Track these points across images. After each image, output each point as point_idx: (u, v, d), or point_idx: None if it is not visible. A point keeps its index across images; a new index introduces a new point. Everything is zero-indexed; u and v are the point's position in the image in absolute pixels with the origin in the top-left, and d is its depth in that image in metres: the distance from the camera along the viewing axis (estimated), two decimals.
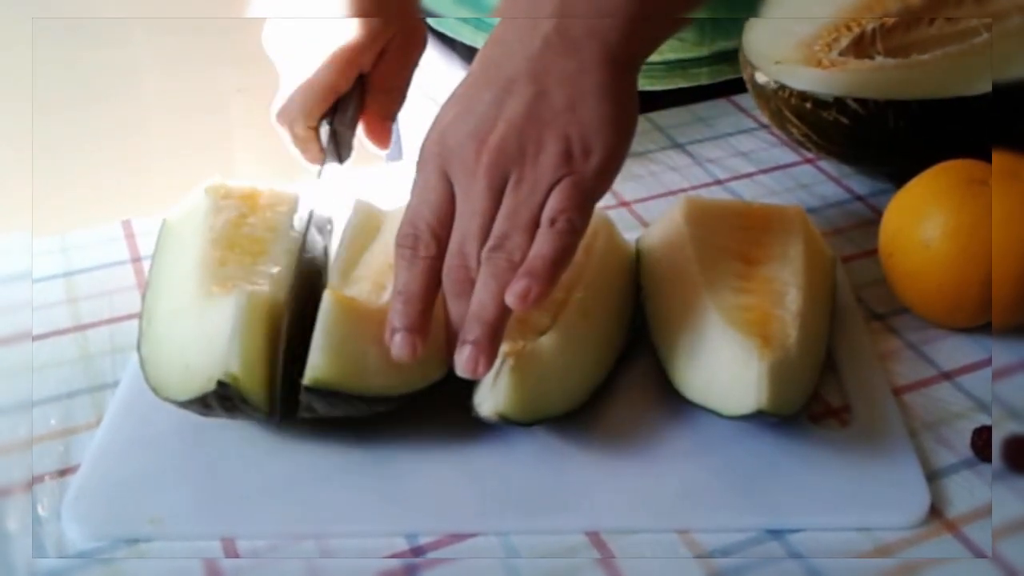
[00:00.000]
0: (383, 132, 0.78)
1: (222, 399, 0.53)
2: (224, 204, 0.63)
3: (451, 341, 0.54)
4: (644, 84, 0.89)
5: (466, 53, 0.97)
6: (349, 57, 0.74)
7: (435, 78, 1.01)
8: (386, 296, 0.58)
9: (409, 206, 0.56)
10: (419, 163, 0.56)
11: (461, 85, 0.57)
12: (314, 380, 0.53)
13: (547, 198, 0.53)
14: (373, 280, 0.60)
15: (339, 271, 0.61)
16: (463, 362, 0.52)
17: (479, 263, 0.53)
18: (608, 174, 0.55)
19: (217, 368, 0.53)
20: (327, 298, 0.55)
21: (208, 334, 0.55)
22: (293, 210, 0.64)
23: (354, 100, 0.76)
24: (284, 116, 0.74)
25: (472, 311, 0.52)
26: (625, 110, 0.56)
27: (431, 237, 0.54)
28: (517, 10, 0.57)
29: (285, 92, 0.75)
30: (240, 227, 0.62)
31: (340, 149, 0.74)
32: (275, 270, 0.60)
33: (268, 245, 0.61)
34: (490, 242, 0.53)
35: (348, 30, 0.74)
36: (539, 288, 0.51)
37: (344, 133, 0.75)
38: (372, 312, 0.56)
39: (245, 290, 0.56)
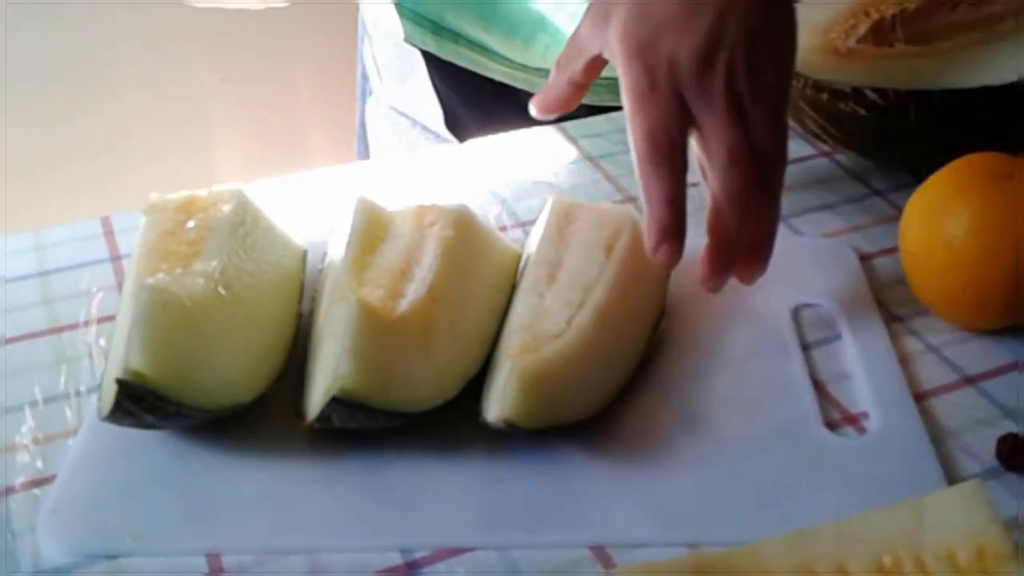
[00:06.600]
0: None
1: (137, 400, 0.53)
2: (159, 219, 0.63)
3: (727, 249, 0.60)
4: (591, 99, 0.89)
5: (428, 60, 0.98)
6: None
7: (392, 85, 1.02)
8: (404, 305, 0.57)
9: (642, 114, 0.58)
10: (637, 65, 0.58)
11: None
12: (342, 390, 0.53)
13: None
14: (388, 287, 0.59)
15: (351, 273, 0.60)
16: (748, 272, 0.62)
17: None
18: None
19: (120, 369, 0.53)
20: (353, 306, 0.55)
21: (118, 341, 0.56)
22: (233, 205, 0.64)
23: None
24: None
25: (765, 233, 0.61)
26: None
27: (679, 149, 0.58)
28: None
29: None
30: (176, 235, 0.62)
31: None
32: (212, 265, 0.59)
33: (203, 245, 0.61)
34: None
35: None
36: None
37: None
38: (394, 322, 0.56)
39: (146, 285, 0.55)
